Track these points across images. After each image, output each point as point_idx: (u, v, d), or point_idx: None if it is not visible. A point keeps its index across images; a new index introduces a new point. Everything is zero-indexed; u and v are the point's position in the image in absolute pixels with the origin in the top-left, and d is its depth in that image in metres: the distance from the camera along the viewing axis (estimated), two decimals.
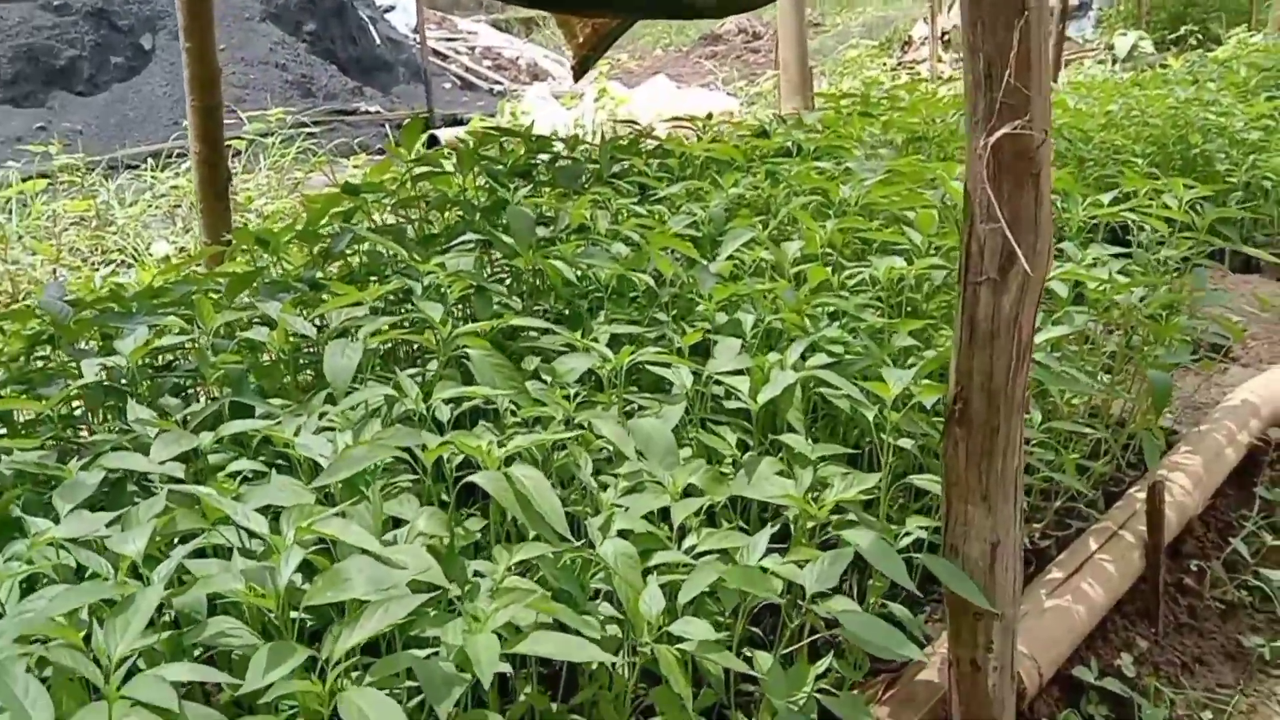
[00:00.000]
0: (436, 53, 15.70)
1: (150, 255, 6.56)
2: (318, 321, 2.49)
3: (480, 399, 2.13)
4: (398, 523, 1.75)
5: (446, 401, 2.07)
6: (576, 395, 2.10)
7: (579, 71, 5.14)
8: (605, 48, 5.13)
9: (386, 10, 16.31)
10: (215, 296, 2.81)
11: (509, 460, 1.76)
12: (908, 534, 1.98)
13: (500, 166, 3.40)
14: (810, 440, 2.07)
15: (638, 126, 4.17)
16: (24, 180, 7.40)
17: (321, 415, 2.08)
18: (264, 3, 12.65)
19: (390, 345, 2.63)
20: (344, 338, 2.18)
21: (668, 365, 2.19)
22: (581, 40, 5.06)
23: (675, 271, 2.57)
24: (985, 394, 1.73)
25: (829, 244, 2.96)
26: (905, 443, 2.09)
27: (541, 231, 3.17)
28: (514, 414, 2.21)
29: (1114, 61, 12.07)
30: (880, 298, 2.65)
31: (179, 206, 7.40)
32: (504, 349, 2.54)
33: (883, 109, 4.54)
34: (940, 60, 12.98)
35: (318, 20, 13.08)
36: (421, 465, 1.84)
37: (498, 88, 14.85)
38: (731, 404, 2.17)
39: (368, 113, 11.51)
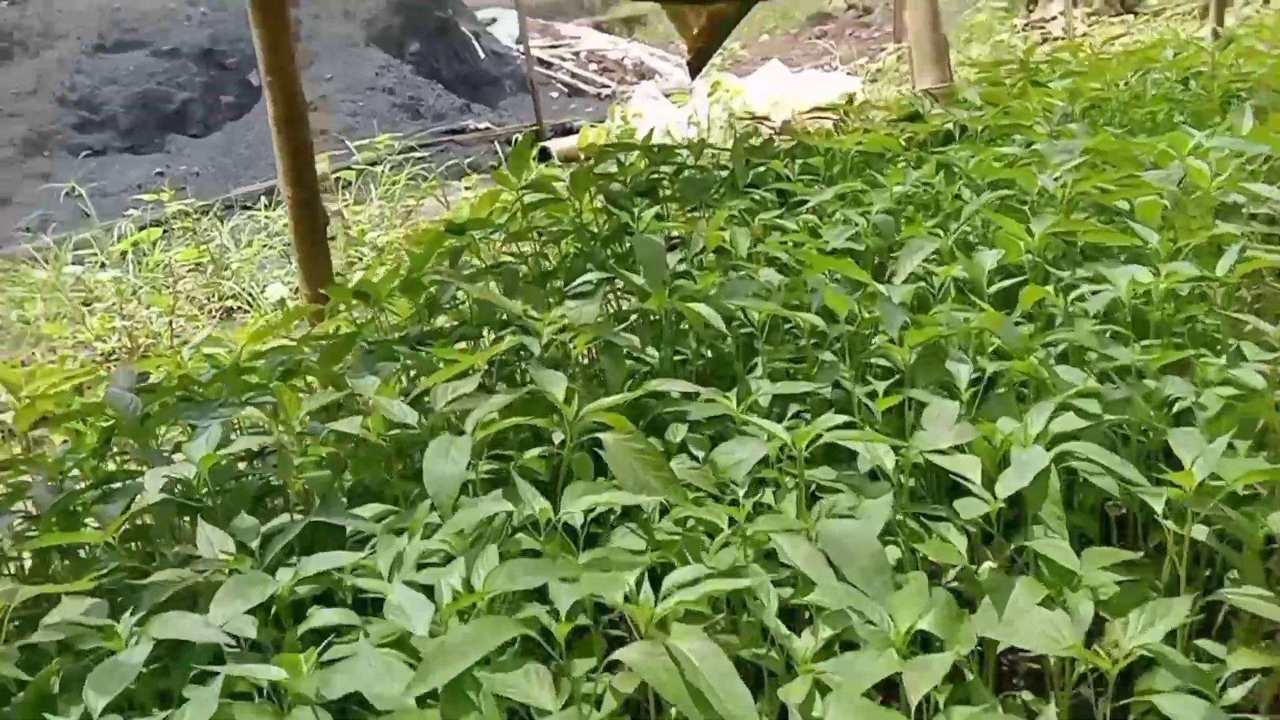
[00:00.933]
0: (541, 61, 15.44)
1: (265, 298, 6.36)
2: (423, 400, 2.07)
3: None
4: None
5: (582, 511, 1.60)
6: (745, 494, 1.61)
7: (695, 66, 4.64)
8: (723, 37, 4.62)
9: (489, 24, 16.13)
10: (307, 370, 2.43)
11: (664, 623, 1.27)
12: (1229, 679, 1.41)
13: (618, 185, 2.92)
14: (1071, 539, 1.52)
15: (768, 124, 3.65)
16: (139, 230, 7.33)
17: (427, 534, 1.64)
18: (367, 28, 12.55)
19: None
20: (448, 431, 1.73)
21: (858, 442, 1.67)
22: (697, 32, 4.56)
23: (849, 307, 2.04)
24: None
25: (1034, 251, 2.39)
26: (1201, 530, 1.52)
27: (672, 258, 2.69)
28: (665, 513, 1.74)
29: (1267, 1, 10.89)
30: (1120, 321, 2.06)
31: (291, 245, 7.20)
32: (640, 414, 2.06)
33: (1051, 75, 3.89)
34: (1074, 17, 11.99)
35: (421, 40, 12.94)
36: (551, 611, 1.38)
37: (605, 91, 14.49)
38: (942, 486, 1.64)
39: (476, 130, 11.26)
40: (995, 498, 1.51)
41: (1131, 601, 1.48)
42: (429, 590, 1.44)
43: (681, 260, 2.69)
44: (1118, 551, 1.49)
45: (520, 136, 9.08)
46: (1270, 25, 5.94)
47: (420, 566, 1.58)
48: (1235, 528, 1.53)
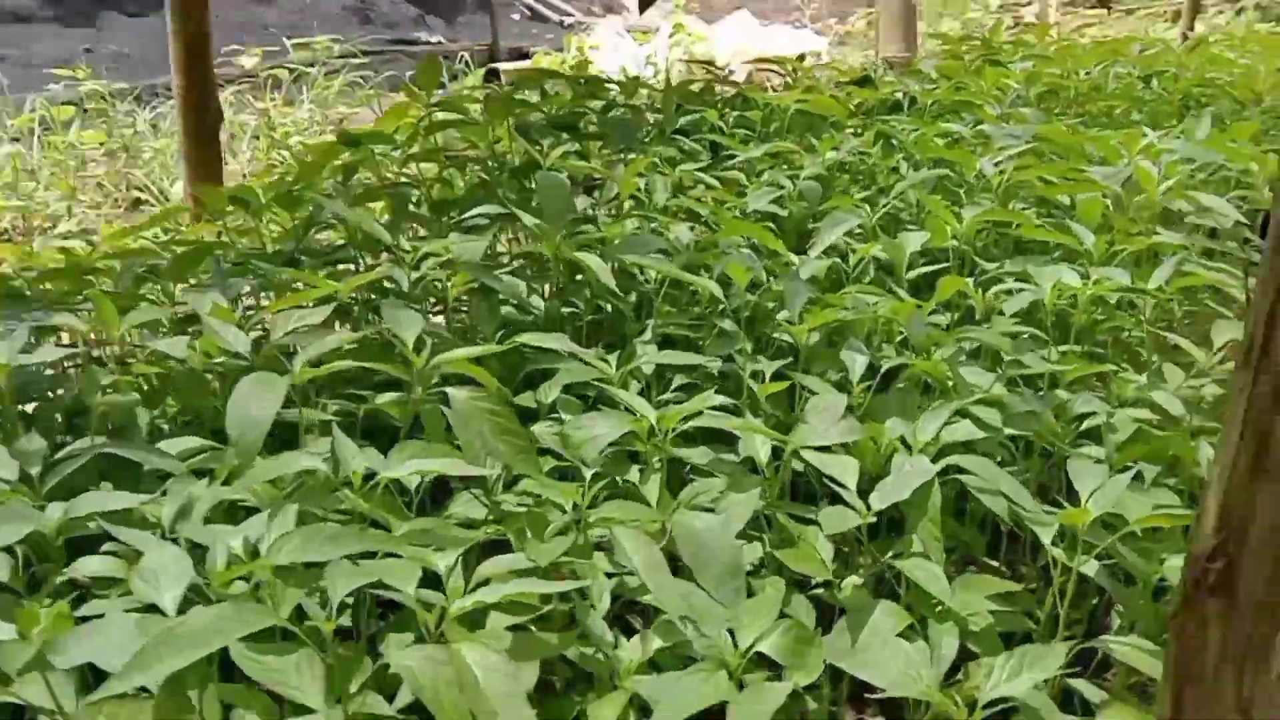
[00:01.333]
0: None
1: (175, 193, 5.99)
2: (264, 327, 1.85)
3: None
4: None
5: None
6: (594, 476, 1.42)
7: (644, 4, 4.38)
8: None
9: None
10: (156, 278, 2.18)
11: (470, 618, 1.09)
12: None
13: (538, 116, 2.69)
14: (945, 556, 1.36)
15: (713, 68, 3.42)
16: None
17: (230, 481, 1.43)
18: None
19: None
20: (281, 367, 1.51)
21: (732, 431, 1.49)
22: None
23: (753, 275, 1.85)
24: (1273, 556, 1.02)
25: (960, 238, 2.22)
26: (1091, 567, 1.37)
27: (583, 202, 2.48)
28: (514, 482, 1.55)
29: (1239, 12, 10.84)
30: (1040, 323, 1.90)
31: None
32: (514, 368, 1.86)
33: (1012, 57, 3.71)
34: (1048, 4, 11.83)
35: None
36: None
37: (569, 20, 14.05)
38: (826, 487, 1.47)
39: (427, 43, 10.81)
40: (869, 508, 1.34)
41: (1005, 632, 1.33)
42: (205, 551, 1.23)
43: (593, 205, 2.48)
44: (995, 581, 1.34)
45: (468, 55, 8.71)
46: (1240, 35, 5.83)
47: (219, 518, 1.37)
48: (1130, 565, 1.39)
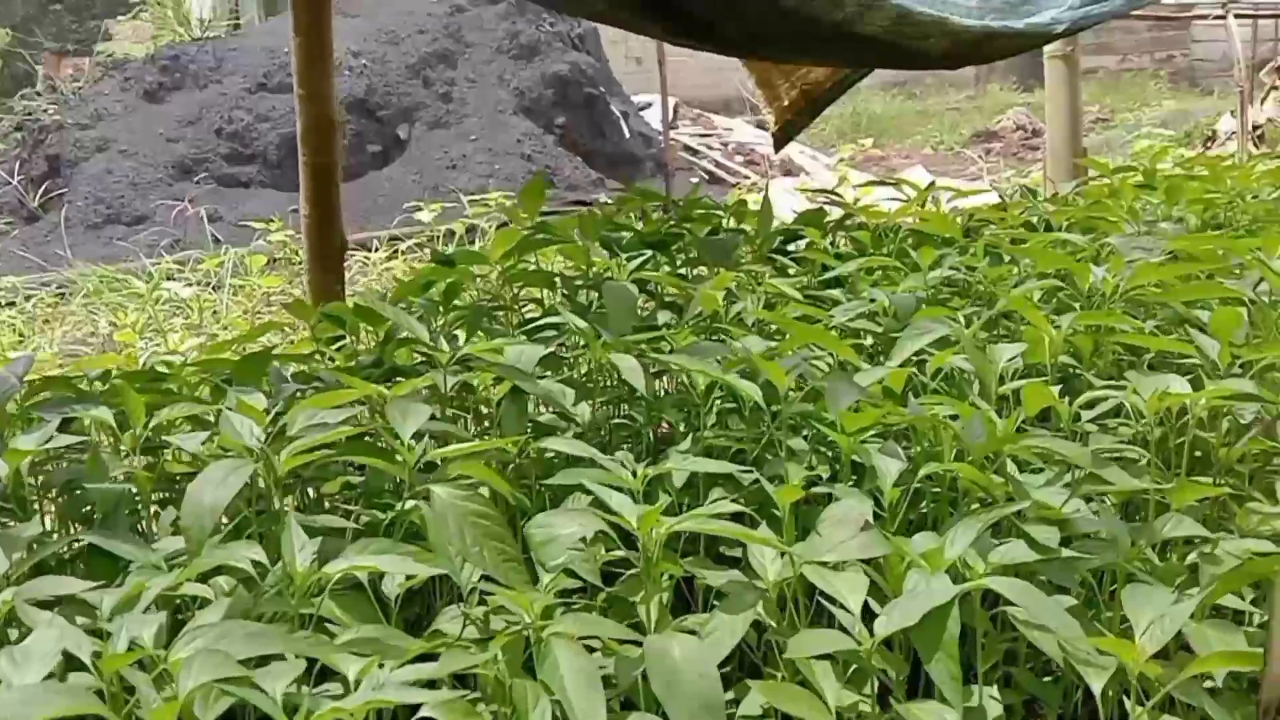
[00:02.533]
0: (688, 148, 15.51)
1: None
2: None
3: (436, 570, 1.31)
4: None
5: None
6: (564, 585, 1.25)
7: (781, 140, 4.36)
8: (815, 114, 4.32)
9: (643, 108, 16.34)
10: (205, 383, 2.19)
11: None
12: None
13: (623, 235, 2.63)
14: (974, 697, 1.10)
15: (833, 194, 3.30)
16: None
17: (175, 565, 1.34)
18: (519, 97, 12.81)
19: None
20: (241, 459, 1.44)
21: (737, 541, 1.29)
22: (787, 103, 4.28)
23: (787, 380, 1.66)
24: None
25: (1071, 351, 1.97)
26: None
27: (665, 317, 2.37)
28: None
29: None
30: (1146, 440, 1.61)
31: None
32: (547, 475, 1.72)
33: (1169, 181, 3.41)
34: (1251, 156, 11.18)
35: (569, 114, 13.13)
36: None
37: (746, 182, 14.37)
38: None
39: (605, 203, 11.22)
40: (868, 635, 1.11)
41: None
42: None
43: (673, 320, 2.37)
44: None
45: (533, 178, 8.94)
46: None
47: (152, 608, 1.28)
48: (1206, 715, 1.08)
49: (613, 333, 2.04)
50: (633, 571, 1.44)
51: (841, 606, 1.15)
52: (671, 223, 2.82)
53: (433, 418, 1.86)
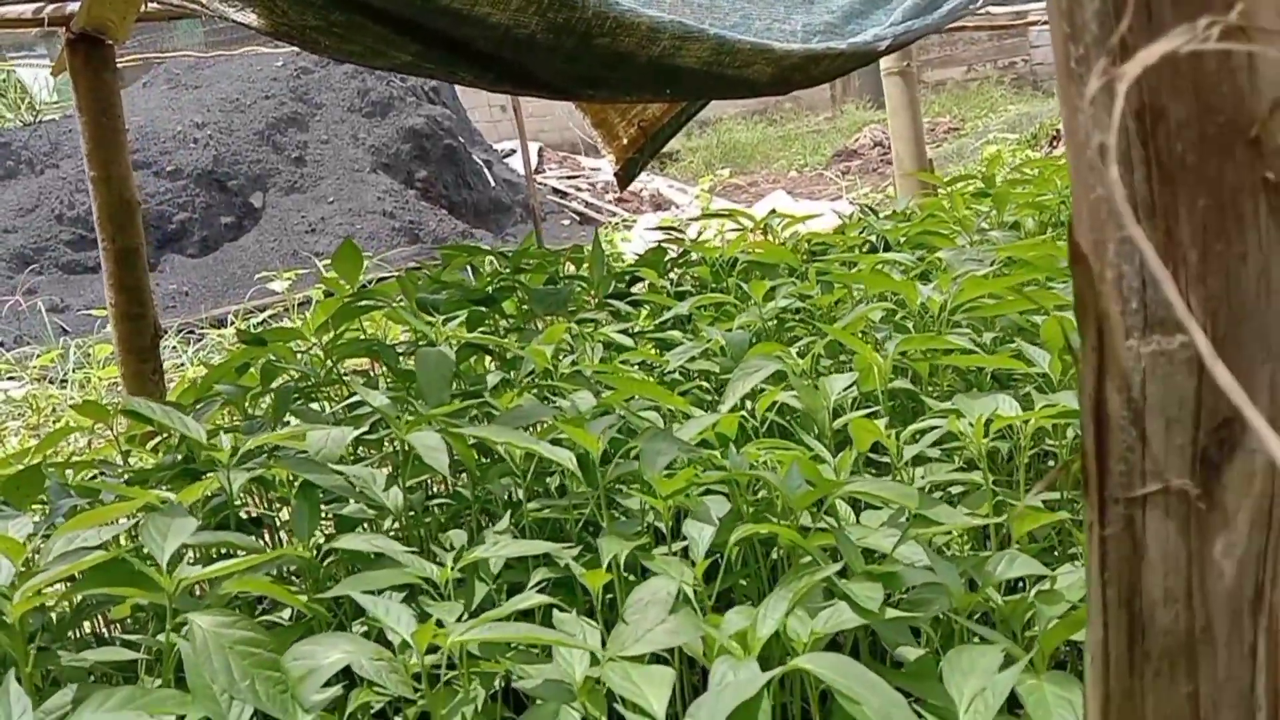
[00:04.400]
0: (556, 190, 15.47)
1: None
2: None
3: None
4: None
5: None
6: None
7: (624, 179, 4.27)
8: (654, 150, 4.25)
9: (507, 155, 16.25)
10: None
11: None
12: None
13: (444, 295, 2.47)
14: None
15: (674, 230, 3.22)
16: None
17: None
18: (375, 154, 12.57)
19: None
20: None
21: (534, 648, 1.15)
22: (626, 141, 4.20)
23: (600, 444, 1.53)
24: None
25: (910, 375, 1.89)
26: None
27: (495, 379, 2.22)
28: None
29: None
30: (993, 460, 1.53)
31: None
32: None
33: (997, 189, 3.43)
34: None
35: (429, 167, 12.94)
36: None
37: (617, 220, 14.37)
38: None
39: (434, 262, 11.03)
40: None
41: None
42: None
43: (503, 381, 2.22)
44: None
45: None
46: None
47: None
48: None
49: (429, 403, 1.89)
50: (447, 678, 1.28)
51: (645, 713, 1.02)
52: (502, 277, 2.68)
53: (218, 526, 1.68)
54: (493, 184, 13.80)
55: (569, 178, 16.55)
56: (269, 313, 7.43)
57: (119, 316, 3.01)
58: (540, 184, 13.91)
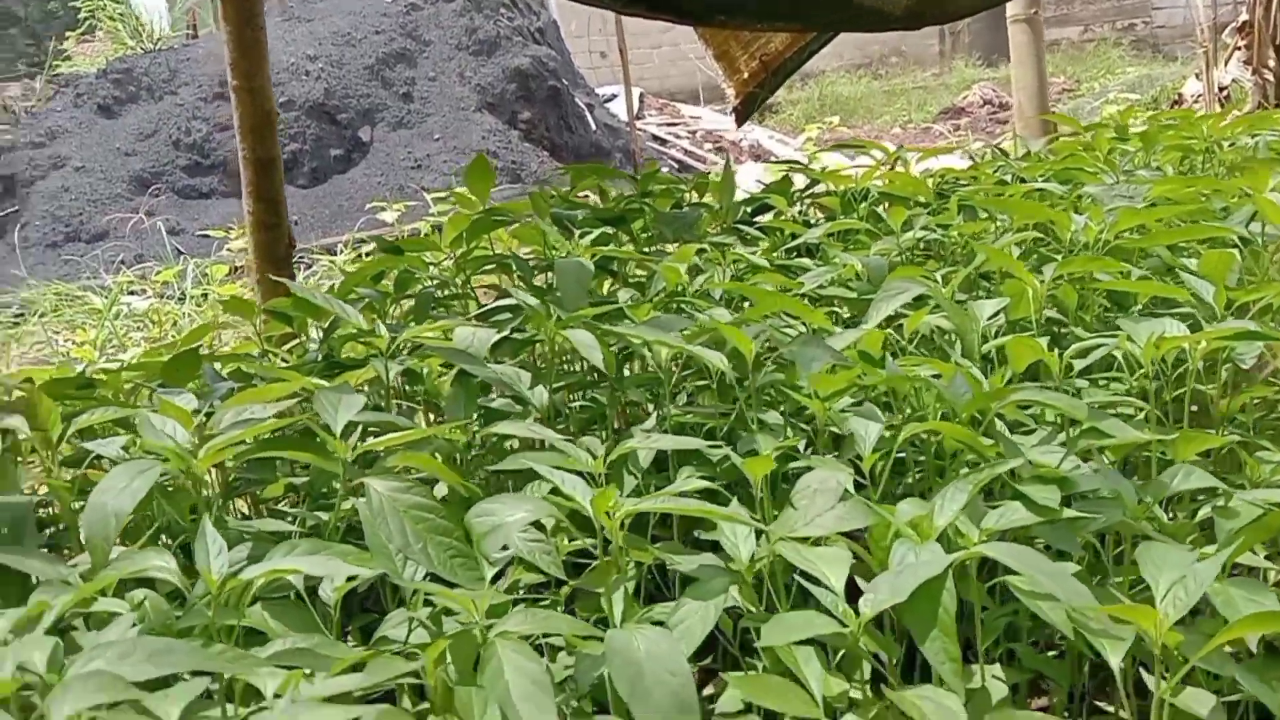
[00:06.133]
0: (655, 137, 15.39)
1: None
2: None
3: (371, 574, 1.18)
4: None
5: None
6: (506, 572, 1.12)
7: (742, 114, 4.23)
8: (774, 87, 4.20)
9: (608, 100, 16.20)
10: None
11: None
12: None
13: (578, 212, 2.49)
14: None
15: (799, 166, 3.18)
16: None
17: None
18: (480, 93, 12.64)
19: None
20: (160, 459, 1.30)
21: (703, 522, 1.17)
22: (746, 75, 4.15)
23: (753, 347, 1.53)
24: None
25: (1056, 304, 1.85)
26: (1199, 701, 0.96)
27: (625, 295, 2.24)
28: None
29: None
30: (1145, 393, 1.50)
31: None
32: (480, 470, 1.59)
33: (1145, 131, 3.31)
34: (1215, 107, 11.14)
35: (533, 108, 12.96)
36: None
37: (716, 168, 14.27)
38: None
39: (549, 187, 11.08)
40: (854, 615, 0.98)
41: None
42: None
43: (633, 298, 2.24)
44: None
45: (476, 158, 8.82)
46: None
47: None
48: (1249, 695, 0.96)
49: (567, 310, 1.91)
50: (598, 562, 1.31)
51: (823, 586, 1.03)
52: (629, 200, 2.69)
53: (377, 408, 1.73)
54: (594, 128, 13.79)
55: (668, 125, 16.46)
56: (376, 243, 7.59)
57: (256, 225, 3.10)
58: (640, 130, 13.86)
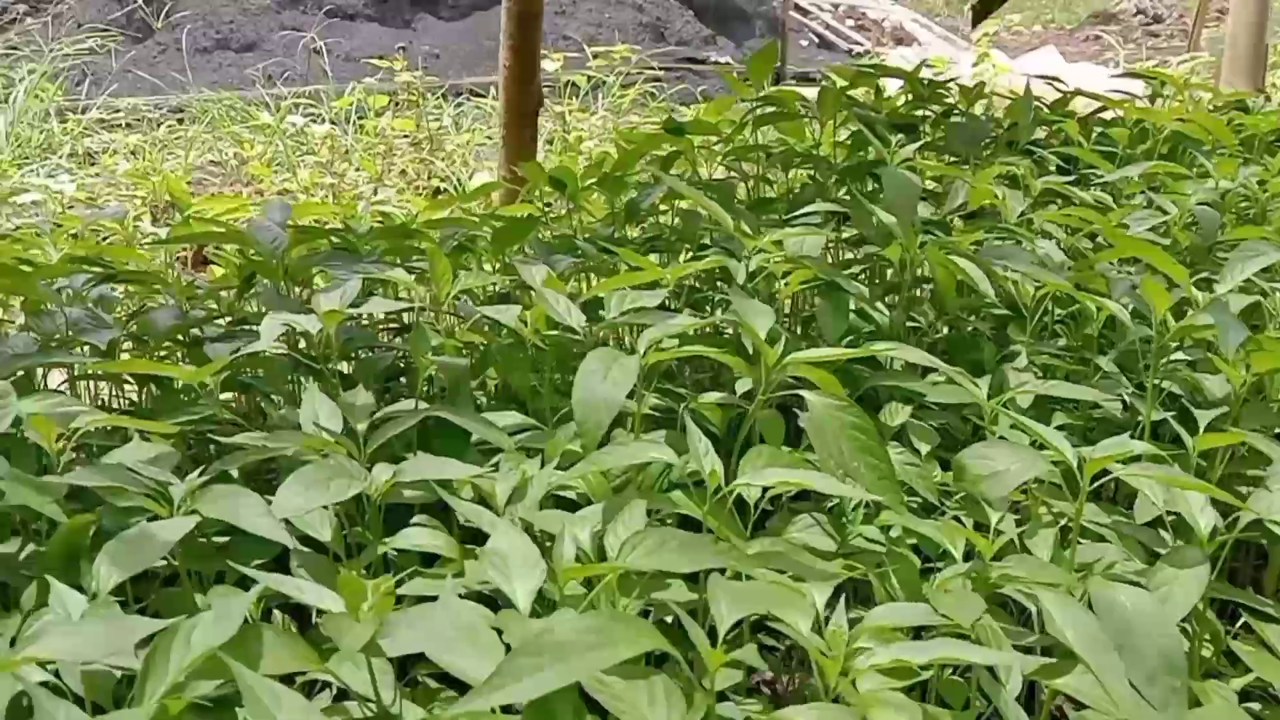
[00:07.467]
0: (798, 7, 14.84)
1: (472, 186, 6.18)
2: (596, 308, 1.71)
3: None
4: None
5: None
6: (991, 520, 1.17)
7: (979, 15, 4.06)
8: None
9: None
10: (482, 250, 2.11)
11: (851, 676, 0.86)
12: None
13: (874, 114, 2.46)
14: None
15: (1059, 83, 3.08)
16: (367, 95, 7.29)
17: (563, 464, 1.29)
18: None
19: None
20: (611, 347, 1.36)
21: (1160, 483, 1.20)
22: None
23: (1168, 303, 1.53)
24: None
25: None
26: None
27: (924, 210, 2.23)
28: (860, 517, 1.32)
29: None
30: None
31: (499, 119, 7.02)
32: (851, 384, 1.63)
33: None
34: None
35: None
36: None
37: (857, 49, 13.78)
38: None
39: (716, 63, 10.84)
40: None
41: None
42: (549, 539, 1.08)
43: (934, 213, 2.23)
44: None
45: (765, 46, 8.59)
46: None
47: (545, 504, 1.22)
48: None
49: (900, 223, 1.91)
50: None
51: None
52: (909, 103, 2.64)
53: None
54: None
55: None
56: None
57: (510, 79, 3.10)
58: None
